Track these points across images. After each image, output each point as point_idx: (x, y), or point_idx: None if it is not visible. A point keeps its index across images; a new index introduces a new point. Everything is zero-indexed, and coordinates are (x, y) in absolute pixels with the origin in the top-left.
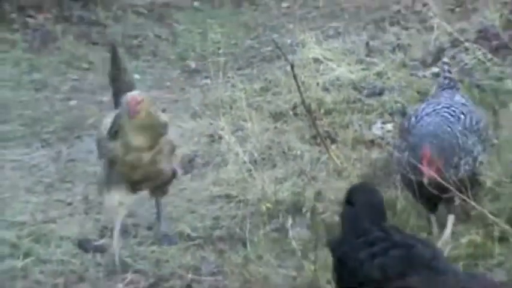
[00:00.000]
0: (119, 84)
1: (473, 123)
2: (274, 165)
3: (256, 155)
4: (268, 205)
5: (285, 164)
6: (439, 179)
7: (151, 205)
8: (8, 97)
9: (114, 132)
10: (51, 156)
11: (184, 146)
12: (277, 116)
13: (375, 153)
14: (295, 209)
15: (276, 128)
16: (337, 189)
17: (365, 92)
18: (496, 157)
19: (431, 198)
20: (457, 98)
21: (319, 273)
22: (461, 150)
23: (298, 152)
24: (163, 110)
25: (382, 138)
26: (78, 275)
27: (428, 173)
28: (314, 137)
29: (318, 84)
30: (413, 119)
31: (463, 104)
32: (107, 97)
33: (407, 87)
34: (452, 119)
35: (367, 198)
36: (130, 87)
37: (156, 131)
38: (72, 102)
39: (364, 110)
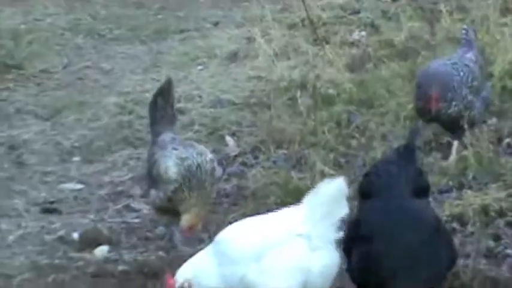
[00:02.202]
0: (162, 114)
1: (469, 80)
2: (289, 58)
3: (277, 51)
4: (285, 83)
5: (296, 57)
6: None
7: (211, 81)
8: (118, 13)
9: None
10: (146, 50)
11: (231, 45)
12: (291, 26)
13: (354, 51)
14: (302, 85)
15: (290, 34)
16: (329, 73)
17: (348, 11)
18: (433, 53)
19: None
20: (468, 55)
21: (318, 127)
22: (455, 92)
23: (305, 49)
24: (217, 23)
25: (359, 41)
26: None
27: (436, 106)
28: (315, 40)
29: (318, 6)
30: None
31: (465, 65)
32: (182, 14)
33: (376, 9)
34: (454, 72)
35: None
36: (173, 121)
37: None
38: (160, 16)
39: (347, 23)
